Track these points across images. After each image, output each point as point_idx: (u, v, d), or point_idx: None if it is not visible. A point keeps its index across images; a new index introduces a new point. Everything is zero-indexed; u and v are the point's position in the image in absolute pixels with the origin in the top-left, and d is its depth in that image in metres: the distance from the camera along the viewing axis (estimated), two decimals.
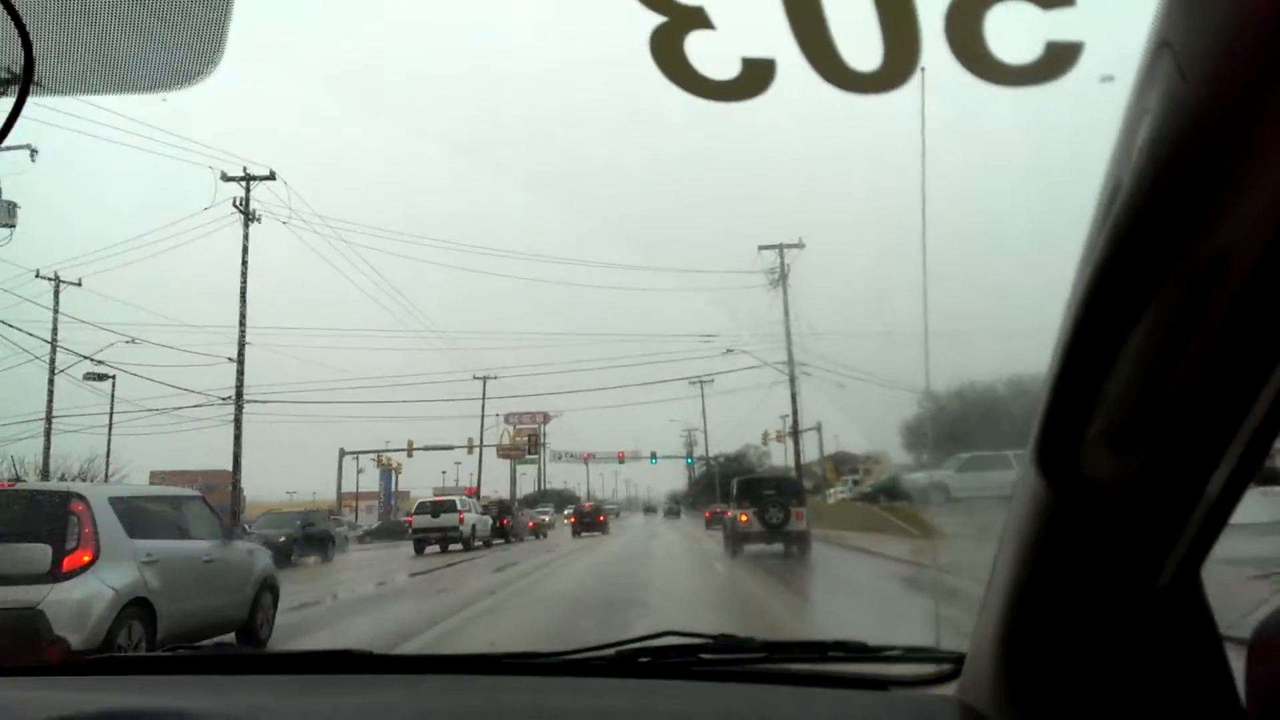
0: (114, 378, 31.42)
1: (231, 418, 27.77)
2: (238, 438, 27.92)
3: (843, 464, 42.87)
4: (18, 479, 17.39)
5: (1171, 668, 0.95)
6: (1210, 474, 0.79)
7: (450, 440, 45.94)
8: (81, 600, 6.90)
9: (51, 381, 30.10)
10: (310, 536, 24.86)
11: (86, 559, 7.09)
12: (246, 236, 27.53)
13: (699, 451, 62.74)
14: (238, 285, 27.06)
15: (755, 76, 0.76)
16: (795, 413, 35.27)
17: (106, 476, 30.68)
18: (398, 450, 45.74)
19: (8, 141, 0.75)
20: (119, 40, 0.80)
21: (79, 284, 30.27)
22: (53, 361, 29.64)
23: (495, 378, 46.20)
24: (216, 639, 8.33)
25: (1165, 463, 0.81)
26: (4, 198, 24.57)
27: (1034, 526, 0.97)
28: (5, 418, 29.86)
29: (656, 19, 0.73)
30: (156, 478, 46.15)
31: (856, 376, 32.36)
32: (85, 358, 29.96)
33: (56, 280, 29.96)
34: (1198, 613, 0.94)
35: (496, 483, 58.96)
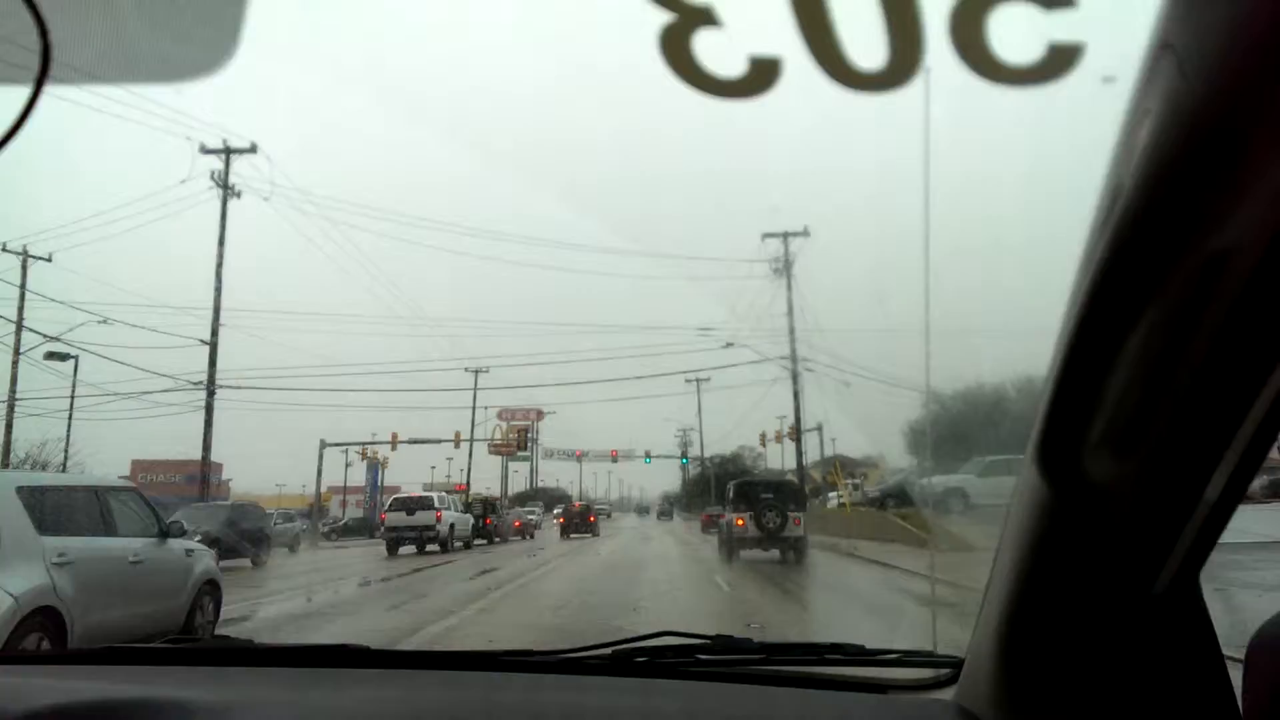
0: (76, 358, 29.83)
1: (216, 403, 27.39)
2: (208, 424, 27.40)
3: (841, 467, 42.79)
4: None
5: (1169, 673, 0.97)
6: (1209, 477, 0.81)
7: (441, 434, 45.27)
8: None
9: (15, 364, 28.60)
10: (236, 535, 20.75)
11: None
12: (224, 213, 27.15)
13: (694, 452, 62.79)
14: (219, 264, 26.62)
15: (761, 75, 0.79)
16: (798, 410, 34.70)
17: (65, 464, 29.74)
18: (382, 443, 45.00)
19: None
20: (134, 30, 0.83)
21: (49, 259, 28.70)
22: (17, 342, 28.32)
23: (487, 370, 46.00)
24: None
25: (1165, 465, 0.83)
26: None
27: (1034, 529, 0.99)
28: None
29: (666, 16, 0.76)
30: (139, 467, 45.67)
31: (862, 374, 31.96)
32: (52, 338, 28.40)
33: (25, 255, 28.50)
34: (1196, 618, 0.96)
35: (488, 479, 58.90)
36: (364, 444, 46.54)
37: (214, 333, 27.33)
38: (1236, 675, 0.91)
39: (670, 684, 1.62)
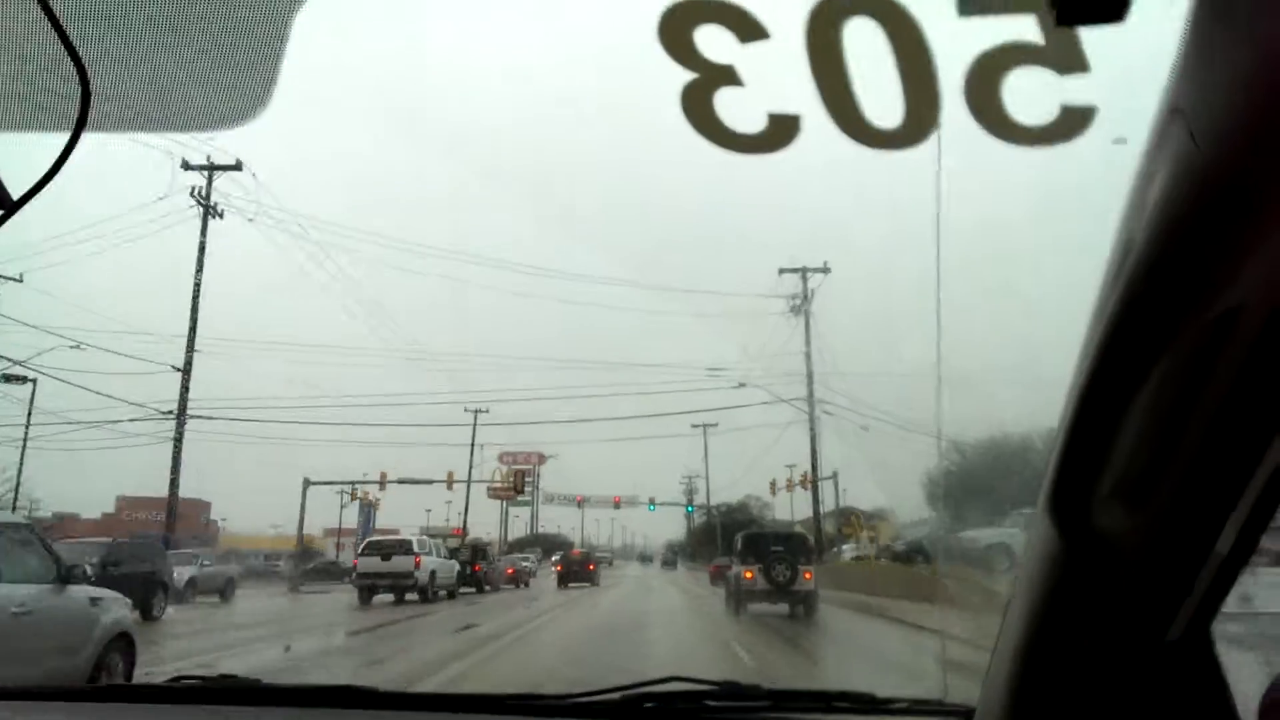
0: (35, 381, 28.36)
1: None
2: (177, 454, 25.96)
3: (854, 519, 42.33)
4: None
5: None
6: (1220, 529, 0.84)
7: (440, 474, 44.66)
8: None
9: None
10: (118, 580, 13.33)
11: None
12: (204, 229, 26.27)
13: (699, 499, 62.44)
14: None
15: (781, 131, 0.84)
16: (815, 455, 33.68)
17: (15, 502, 28.17)
18: (370, 483, 44.23)
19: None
20: (172, 80, 0.89)
21: (19, 279, 26.75)
22: None
23: (486, 410, 45.78)
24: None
25: (1176, 517, 0.86)
26: None
27: (1046, 578, 1.02)
28: None
29: (687, 75, 0.81)
30: (124, 504, 45.17)
31: (882, 418, 30.84)
32: (15, 361, 27.09)
33: None
34: (1208, 668, 0.99)
35: (488, 524, 58.43)
36: (350, 483, 45.55)
37: (188, 359, 26.21)
38: None
39: None
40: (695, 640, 15.73)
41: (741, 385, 35.44)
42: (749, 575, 19.69)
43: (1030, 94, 0.84)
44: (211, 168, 26.79)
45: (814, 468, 34.62)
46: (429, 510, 57.42)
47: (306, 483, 38.54)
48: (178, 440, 26.18)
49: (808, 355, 32.57)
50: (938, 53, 0.84)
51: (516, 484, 47.43)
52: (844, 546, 40.16)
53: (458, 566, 29.92)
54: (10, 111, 0.84)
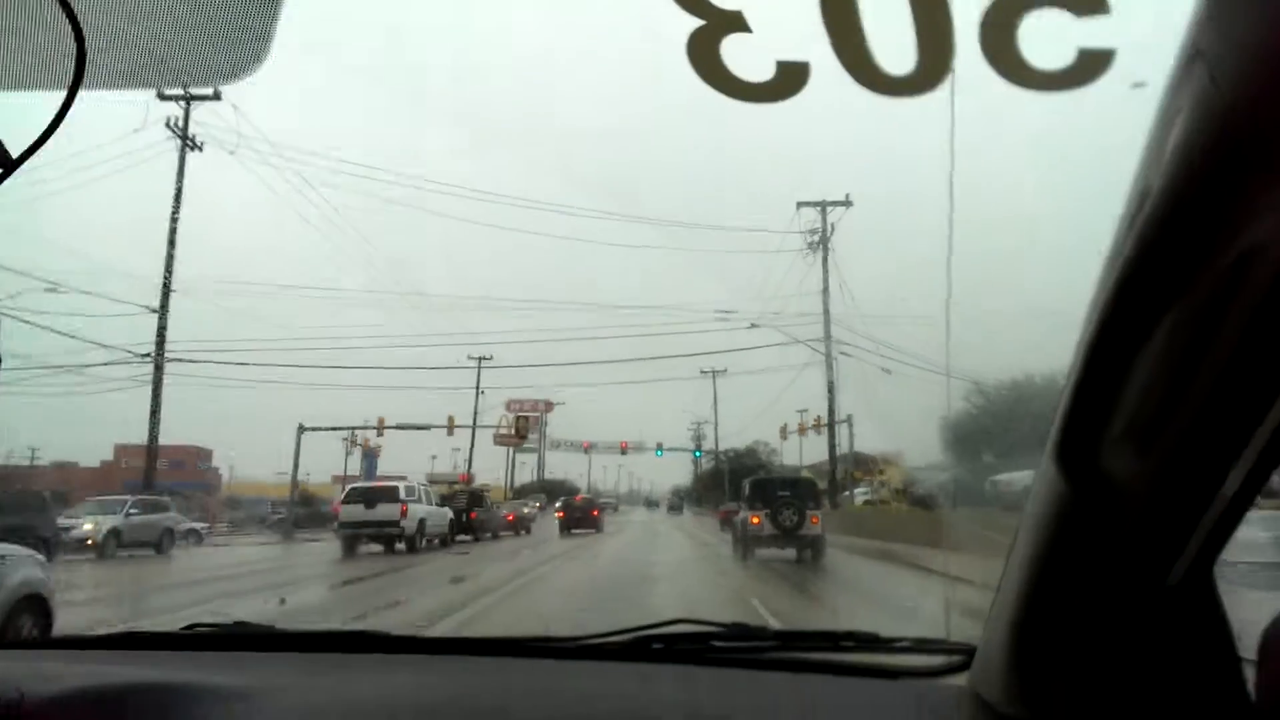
0: None
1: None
2: (156, 398, 25.77)
3: (860, 464, 42.57)
4: None
5: (1182, 664, 1.03)
6: (1227, 473, 0.87)
7: (444, 420, 44.57)
8: None
9: None
10: None
11: None
12: (182, 165, 25.91)
13: (708, 445, 62.91)
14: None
15: (790, 78, 0.84)
16: (832, 399, 33.20)
17: None
18: (368, 428, 44.07)
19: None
20: (168, 36, 0.89)
21: None
22: None
23: (490, 358, 45.78)
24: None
25: (1183, 462, 0.89)
26: None
27: (1050, 521, 1.06)
28: None
29: (694, 22, 0.81)
30: (121, 452, 45.40)
31: (904, 360, 29.69)
32: None
33: None
34: (1210, 610, 1.02)
35: (494, 471, 58.97)
36: (348, 428, 45.41)
37: (164, 299, 25.82)
38: (1250, 667, 0.96)
39: (686, 670, 1.71)
40: (703, 589, 15.14)
41: (754, 326, 35.22)
42: (756, 520, 19.92)
43: (1047, 37, 0.84)
44: (189, 98, 25.85)
45: (831, 410, 34.17)
46: (434, 457, 57.81)
47: (301, 429, 38.49)
48: (156, 384, 25.81)
49: (824, 292, 32.11)
50: None
51: (520, 430, 47.75)
52: (856, 490, 40.50)
53: (450, 514, 28.60)
54: (7, 70, 0.85)
